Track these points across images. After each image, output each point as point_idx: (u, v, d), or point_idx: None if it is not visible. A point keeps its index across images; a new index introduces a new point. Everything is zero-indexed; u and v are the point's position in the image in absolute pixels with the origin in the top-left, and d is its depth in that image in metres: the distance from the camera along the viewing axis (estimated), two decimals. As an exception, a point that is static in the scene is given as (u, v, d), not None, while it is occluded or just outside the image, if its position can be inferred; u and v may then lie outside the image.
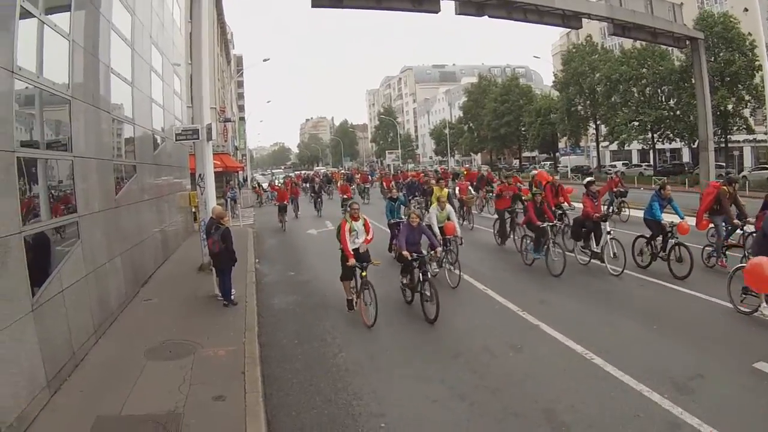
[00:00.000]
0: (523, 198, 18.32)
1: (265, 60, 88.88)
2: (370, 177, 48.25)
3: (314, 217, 31.12)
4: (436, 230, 13.06)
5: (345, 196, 29.00)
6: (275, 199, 32.04)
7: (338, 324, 10.90)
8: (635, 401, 6.89)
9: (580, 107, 63.68)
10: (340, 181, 41.57)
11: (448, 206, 14.25)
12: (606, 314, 10.52)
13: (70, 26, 9.37)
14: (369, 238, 11.37)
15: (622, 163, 62.38)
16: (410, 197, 24.31)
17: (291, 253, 19.58)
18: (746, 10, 43.22)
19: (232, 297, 12.09)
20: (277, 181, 56.43)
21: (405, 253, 10.96)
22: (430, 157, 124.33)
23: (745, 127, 46.44)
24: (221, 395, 7.35)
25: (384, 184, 36.59)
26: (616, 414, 6.61)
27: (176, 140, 16.44)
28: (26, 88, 7.78)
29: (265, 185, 52.02)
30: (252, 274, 15.28)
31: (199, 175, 16.13)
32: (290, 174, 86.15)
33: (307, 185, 48.93)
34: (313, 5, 21.04)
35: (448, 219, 13.81)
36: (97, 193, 10.70)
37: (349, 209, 11.58)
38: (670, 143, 55.72)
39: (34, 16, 7.88)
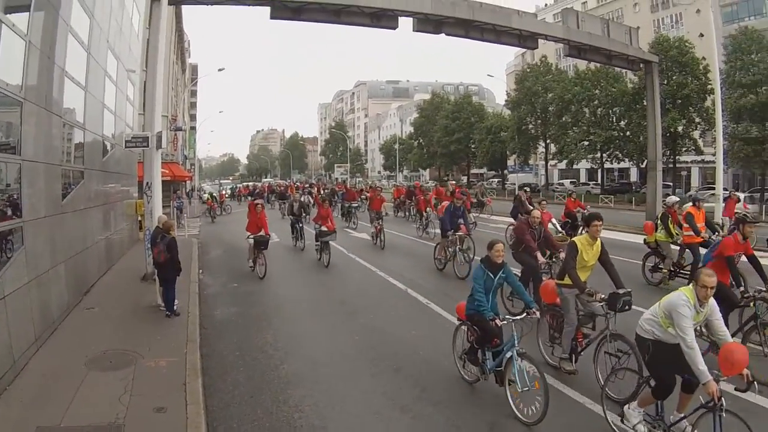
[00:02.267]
0: None
1: (220, 69, 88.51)
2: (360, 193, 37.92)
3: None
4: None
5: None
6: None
7: (280, 336, 11.00)
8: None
9: (531, 126, 65.26)
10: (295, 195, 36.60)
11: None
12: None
13: (28, 27, 9.28)
14: None
15: (570, 182, 63.77)
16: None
17: (234, 263, 19.45)
18: (702, 35, 44.83)
19: (175, 307, 12.00)
20: (225, 192, 56.24)
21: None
22: (379, 172, 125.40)
23: (693, 148, 48.32)
24: (162, 407, 7.33)
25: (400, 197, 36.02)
26: None
27: (126, 147, 16.31)
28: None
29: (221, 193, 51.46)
30: (195, 284, 15.22)
31: (147, 183, 16.04)
32: (237, 185, 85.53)
33: (278, 202, 43.45)
34: (272, 17, 21.07)
35: None
36: (44, 198, 10.51)
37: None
38: (618, 163, 57.44)
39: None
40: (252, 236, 17.26)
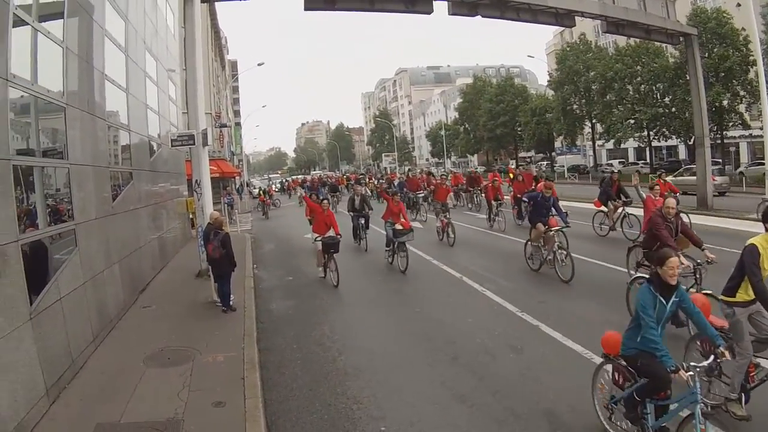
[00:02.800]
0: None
1: (259, 64, 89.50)
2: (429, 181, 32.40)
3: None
4: None
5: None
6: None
7: (336, 328, 10.90)
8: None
9: (575, 106, 63.53)
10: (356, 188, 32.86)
11: None
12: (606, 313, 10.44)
13: (63, 33, 9.34)
14: None
15: (619, 161, 62.44)
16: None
17: (288, 257, 19.52)
18: (739, 5, 43.25)
19: (231, 303, 12.07)
20: (274, 186, 56.36)
21: None
22: (427, 159, 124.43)
23: (740, 122, 46.33)
24: (221, 401, 7.32)
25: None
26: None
27: (172, 146, 16.42)
28: (21, 96, 7.75)
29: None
30: (250, 279, 15.28)
31: (196, 180, 16.11)
32: (287, 179, 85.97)
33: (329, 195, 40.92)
34: (306, 8, 20.92)
35: None
36: (94, 200, 10.65)
37: None
38: (666, 140, 55.66)
39: (28, 24, 7.85)
40: (320, 237, 14.95)
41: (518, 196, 22.78)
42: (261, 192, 41.65)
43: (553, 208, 14.35)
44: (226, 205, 32.77)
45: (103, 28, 11.86)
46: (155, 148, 17.87)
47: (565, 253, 13.77)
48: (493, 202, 23.02)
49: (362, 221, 20.32)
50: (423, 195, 29.20)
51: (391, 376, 8.29)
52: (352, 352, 9.47)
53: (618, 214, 18.57)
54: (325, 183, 52.48)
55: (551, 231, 14.02)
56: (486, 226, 23.27)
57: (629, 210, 18.24)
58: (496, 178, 24.55)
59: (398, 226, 16.07)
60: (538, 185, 16.88)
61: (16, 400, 6.46)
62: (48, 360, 7.39)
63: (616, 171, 23.87)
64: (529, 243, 14.75)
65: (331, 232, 14.99)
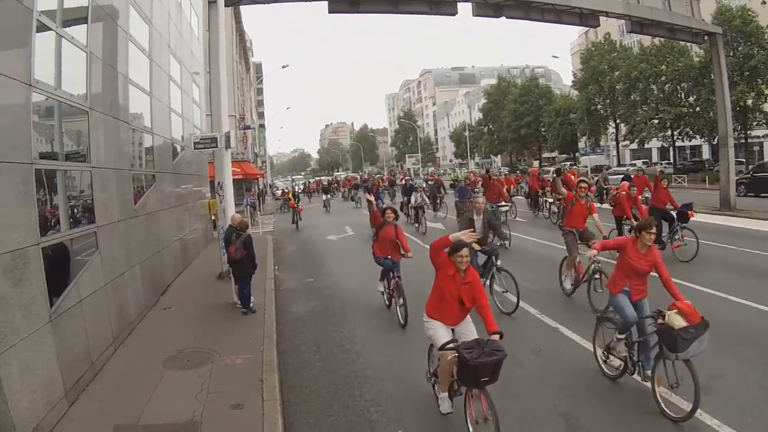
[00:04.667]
0: None
1: (284, 66, 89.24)
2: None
3: (332, 222, 31.24)
4: None
5: None
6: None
7: (357, 330, 10.90)
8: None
9: (599, 106, 63.13)
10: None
11: None
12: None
13: (87, 38, 9.44)
14: None
15: (643, 161, 61.83)
16: None
17: (310, 259, 19.56)
18: (764, 2, 42.70)
19: (251, 304, 12.11)
20: (297, 188, 56.25)
21: None
22: (450, 160, 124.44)
23: (765, 121, 45.73)
24: (239, 403, 7.36)
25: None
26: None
27: (195, 149, 16.52)
28: (45, 99, 7.85)
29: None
30: (271, 281, 15.31)
31: (218, 183, 16.22)
32: (309, 180, 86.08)
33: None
34: (330, 11, 21.01)
35: None
36: (116, 202, 10.76)
37: None
38: (689, 140, 55.17)
39: (51, 30, 7.95)
40: (384, 260, 11.60)
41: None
42: (292, 197, 33.67)
43: None
44: (248, 206, 32.91)
45: (127, 33, 11.97)
46: (178, 150, 18.00)
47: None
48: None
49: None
50: (505, 208, 22.43)
51: (409, 378, 8.27)
52: (371, 355, 9.47)
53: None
54: (358, 185, 50.72)
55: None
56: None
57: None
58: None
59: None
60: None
61: (36, 402, 6.54)
62: (67, 362, 7.48)
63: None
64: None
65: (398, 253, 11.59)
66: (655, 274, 7.23)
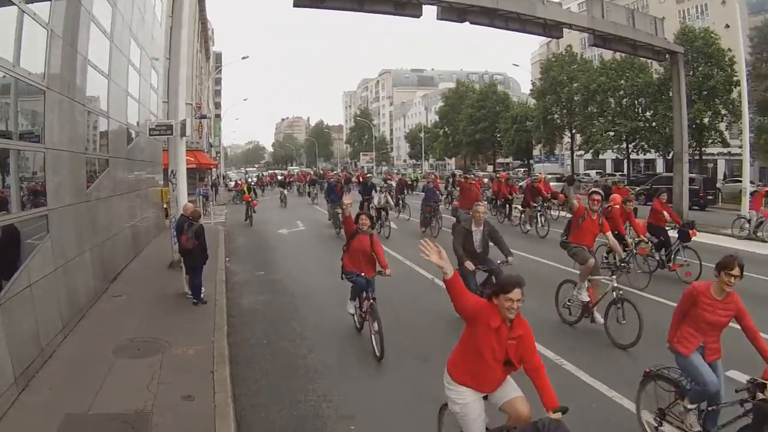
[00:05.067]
0: None
1: (243, 57, 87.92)
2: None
3: (284, 217, 31.00)
4: None
5: None
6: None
7: (307, 324, 10.90)
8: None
9: (556, 116, 64.13)
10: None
11: None
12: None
13: (49, 16, 9.23)
14: None
15: (596, 172, 63.10)
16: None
17: (262, 252, 19.48)
18: (728, 26, 44.02)
19: (202, 295, 12.01)
20: (250, 179, 55.69)
21: None
22: (404, 161, 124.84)
23: (720, 140, 47.25)
24: (190, 395, 7.30)
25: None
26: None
27: (150, 135, 16.30)
28: (2, 77, 7.66)
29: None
30: (222, 272, 15.20)
31: (171, 171, 16.00)
32: (262, 173, 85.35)
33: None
34: (295, 5, 20.91)
35: None
36: (69, 186, 10.53)
37: None
38: (644, 154, 56.45)
39: (14, 5, 7.76)
40: (356, 276, 9.69)
41: None
42: (246, 189, 30.06)
43: None
44: (201, 196, 32.54)
45: (90, 13, 11.74)
46: (133, 135, 17.71)
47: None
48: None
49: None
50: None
51: (362, 374, 8.31)
52: (322, 348, 9.48)
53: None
54: (315, 181, 47.85)
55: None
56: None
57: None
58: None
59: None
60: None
61: (-16, 387, 6.37)
62: (17, 348, 7.30)
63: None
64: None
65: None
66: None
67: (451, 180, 37.33)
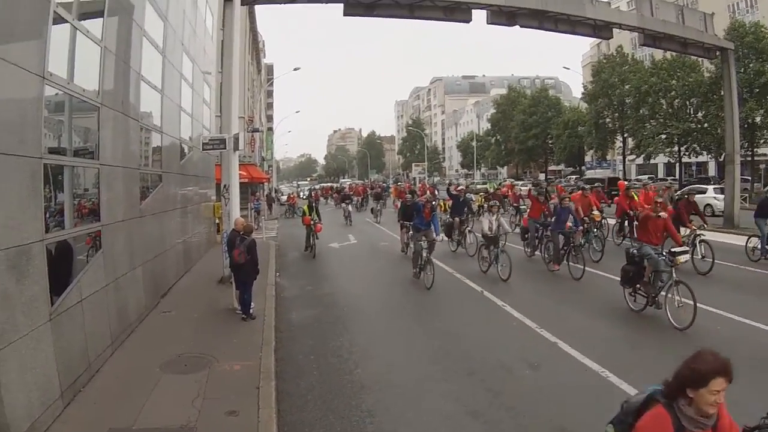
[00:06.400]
0: None
1: (295, 69, 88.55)
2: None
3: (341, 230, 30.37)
4: None
5: None
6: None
7: (356, 339, 10.83)
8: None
9: (608, 119, 63.37)
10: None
11: None
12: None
13: (102, 32, 9.36)
14: None
15: (648, 177, 61.83)
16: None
17: (312, 266, 19.46)
18: (776, 19, 42.67)
19: (251, 311, 12.00)
20: (302, 194, 55.65)
21: None
22: (456, 170, 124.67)
23: (773, 139, 45.85)
24: (235, 410, 7.27)
25: None
26: None
27: (203, 150, 16.45)
28: (56, 94, 7.76)
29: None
30: (272, 287, 15.21)
31: (224, 185, 16.12)
32: (314, 187, 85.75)
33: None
34: (345, 14, 21.04)
35: None
36: (122, 202, 10.66)
37: None
38: (696, 156, 55.34)
39: (67, 22, 7.88)
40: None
41: None
42: (308, 210, 22.48)
43: None
44: (253, 210, 32.84)
45: (142, 28, 11.91)
46: (186, 150, 17.92)
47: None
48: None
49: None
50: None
51: (407, 389, 8.20)
52: (369, 364, 9.41)
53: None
54: (384, 190, 43.79)
55: None
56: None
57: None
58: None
59: None
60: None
61: (31, 401, 6.43)
62: (65, 362, 7.35)
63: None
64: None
65: None
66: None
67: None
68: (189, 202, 18.39)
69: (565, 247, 15.91)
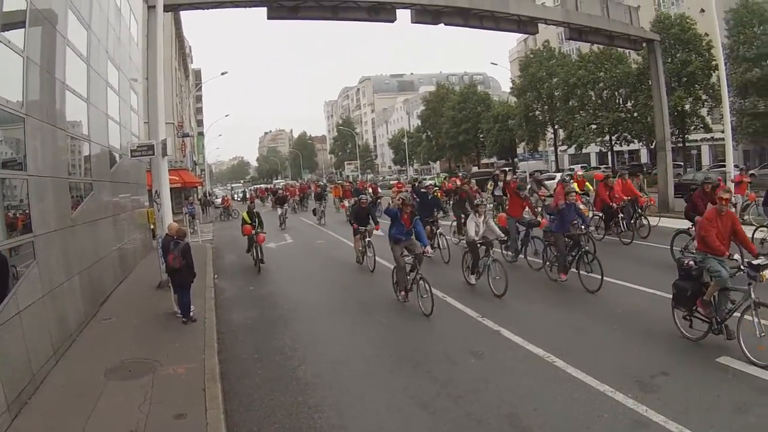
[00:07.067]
0: None
1: (223, 73, 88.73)
2: None
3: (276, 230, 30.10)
4: None
5: None
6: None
7: (298, 337, 10.93)
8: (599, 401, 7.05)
9: (538, 112, 64.16)
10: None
11: None
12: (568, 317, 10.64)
13: (24, 43, 9.25)
14: None
15: (581, 166, 63.23)
16: None
17: (250, 268, 19.36)
18: (703, 10, 44.05)
19: (191, 313, 12.01)
20: (236, 196, 55.40)
21: None
22: (389, 167, 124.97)
23: (702, 126, 47.29)
24: (182, 413, 7.32)
25: None
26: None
27: (131, 156, 16.25)
28: (-20, 107, 7.69)
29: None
30: (211, 289, 15.19)
31: (155, 191, 16.01)
32: (249, 188, 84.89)
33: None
34: (269, 17, 21.00)
35: None
36: (53, 211, 10.53)
37: None
38: (628, 145, 56.64)
39: (-13, 34, 7.79)
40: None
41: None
42: (249, 216, 19.25)
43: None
44: (187, 214, 32.48)
45: (65, 38, 11.75)
46: (116, 158, 17.71)
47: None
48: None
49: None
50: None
51: (353, 384, 8.35)
52: (313, 361, 9.51)
53: None
54: (324, 189, 38.99)
55: None
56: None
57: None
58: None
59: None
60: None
61: (-24, 416, 6.39)
62: (8, 374, 7.32)
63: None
64: None
65: None
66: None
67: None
68: (122, 209, 18.18)
69: (573, 252, 13.24)
